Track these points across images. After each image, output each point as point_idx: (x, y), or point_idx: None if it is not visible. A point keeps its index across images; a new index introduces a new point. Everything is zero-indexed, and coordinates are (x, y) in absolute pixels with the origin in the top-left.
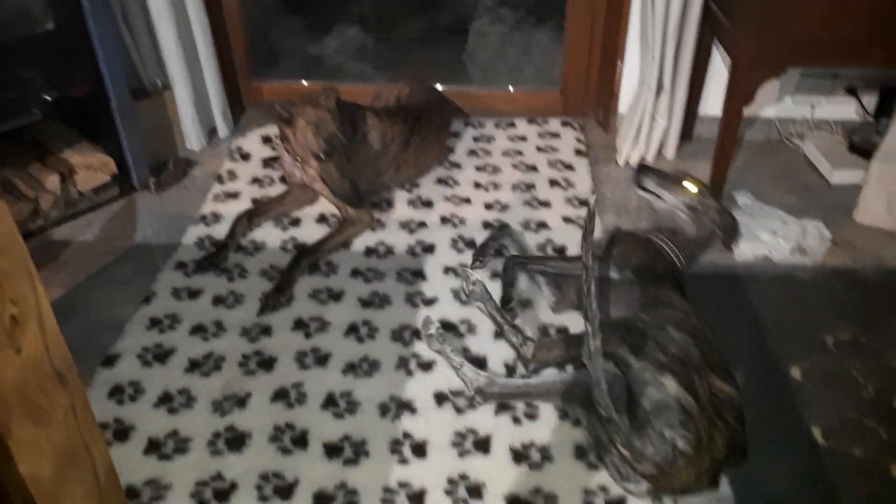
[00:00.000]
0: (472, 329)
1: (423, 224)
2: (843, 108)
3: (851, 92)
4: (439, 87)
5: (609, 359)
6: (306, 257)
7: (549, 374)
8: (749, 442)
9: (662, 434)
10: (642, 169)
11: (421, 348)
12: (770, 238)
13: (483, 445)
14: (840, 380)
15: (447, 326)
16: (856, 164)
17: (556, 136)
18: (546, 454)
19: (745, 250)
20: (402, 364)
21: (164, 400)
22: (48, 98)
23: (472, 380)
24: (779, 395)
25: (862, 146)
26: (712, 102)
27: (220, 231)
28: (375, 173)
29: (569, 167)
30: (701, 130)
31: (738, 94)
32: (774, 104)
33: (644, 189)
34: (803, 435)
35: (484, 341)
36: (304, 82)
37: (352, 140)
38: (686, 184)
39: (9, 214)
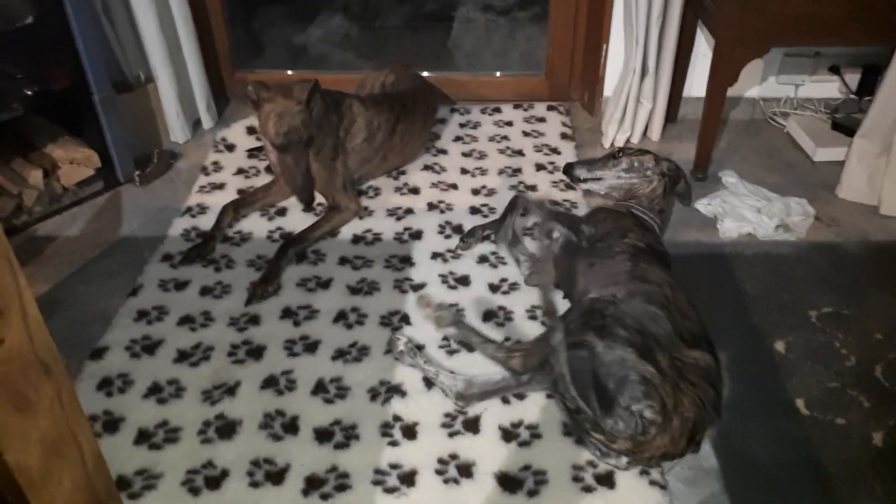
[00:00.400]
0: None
1: (410, 211)
2: (827, 87)
3: (835, 70)
4: (425, 73)
5: (579, 347)
6: (293, 246)
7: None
8: (724, 402)
9: (629, 409)
10: (569, 166)
11: (410, 333)
12: (755, 216)
13: (472, 426)
14: (823, 352)
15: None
16: (839, 142)
17: (541, 120)
18: (535, 432)
19: (731, 228)
20: (391, 350)
21: (154, 391)
22: (29, 92)
23: (451, 386)
24: (763, 368)
25: (845, 124)
26: (697, 84)
27: (206, 222)
28: (362, 161)
29: (555, 151)
30: (686, 112)
31: (722, 74)
32: (758, 84)
33: (581, 181)
34: (787, 406)
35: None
36: (289, 72)
37: (335, 129)
38: (617, 155)
39: None
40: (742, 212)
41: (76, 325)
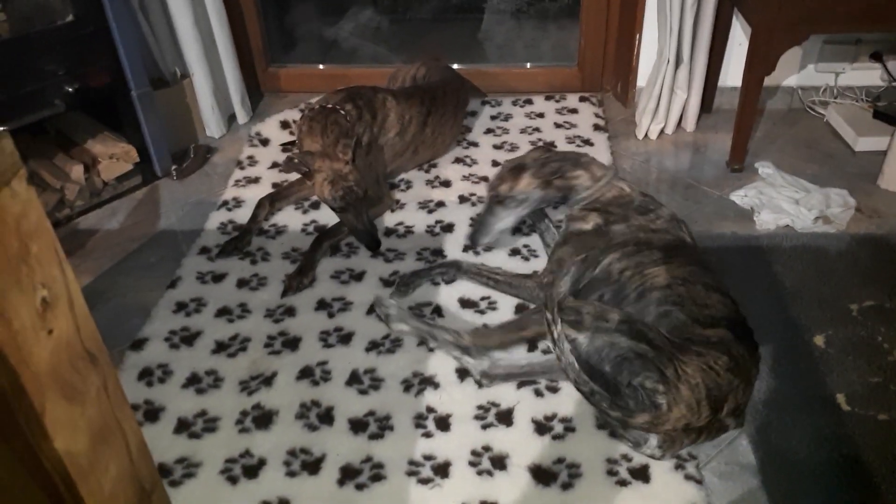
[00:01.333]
0: (492, 306)
1: (441, 204)
2: (868, 75)
3: (877, 57)
4: (455, 66)
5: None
6: (328, 239)
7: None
8: (756, 373)
9: (632, 385)
10: (472, 238)
11: (443, 324)
12: (793, 207)
13: (505, 418)
14: (864, 346)
15: (467, 303)
16: (881, 131)
17: (574, 111)
18: (568, 425)
19: (768, 220)
20: (424, 340)
21: (193, 381)
22: (70, 89)
23: (476, 364)
24: (803, 362)
25: (887, 112)
26: (732, 73)
27: (242, 216)
28: (394, 155)
29: (587, 142)
30: (721, 102)
31: (759, 63)
32: (796, 73)
33: (485, 243)
34: (827, 401)
35: (504, 317)
36: (321, 66)
37: (370, 126)
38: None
39: (37, 200)
40: (780, 203)
41: (117, 317)
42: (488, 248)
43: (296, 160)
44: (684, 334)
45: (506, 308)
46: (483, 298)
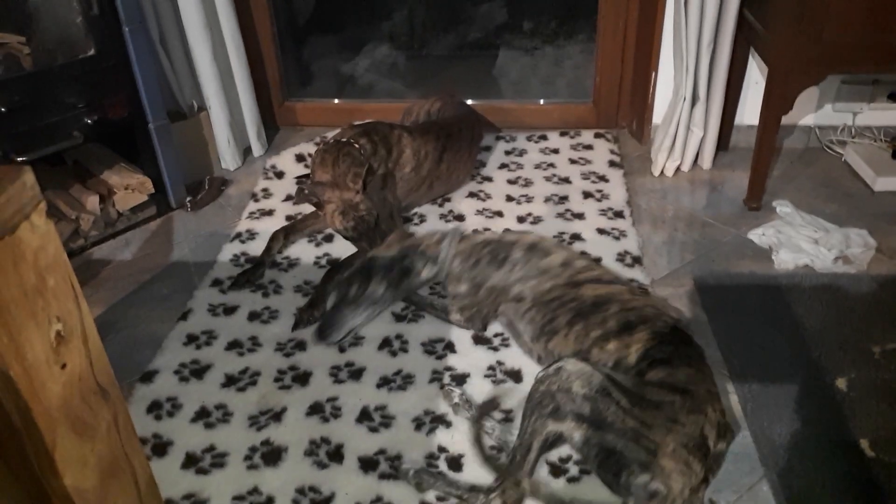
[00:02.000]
0: (504, 343)
1: None
2: (886, 115)
3: (894, 98)
4: (470, 101)
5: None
6: (339, 272)
7: None
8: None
9: (620, 485)
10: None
11: (454, 361)
12: (812, 247)
13: None
14: (888, 390)
15: (480, 340)
16: None
17: (589, 147)
18: (584, 468)
19: (787, 260)
20: (436, 377)
21: (201, 415)
22: (89, 121)
23: (499, 438)
24: (824, 406)
25: None
26: (749, 111)
27: (256, 248)
28: (409, 190)
29: (603, 178)
30: (738, 140)
31: (776, 102)
32: (814, 111)
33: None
34: (850, 446)
35: (518, 355)
36: (336, 101)
37: (384, 161)
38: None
39: (56, 234)
40: (798, 242)
41: (128, 348)
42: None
43: (306, 191)
44: (626, 398)
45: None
46: (497, 335)
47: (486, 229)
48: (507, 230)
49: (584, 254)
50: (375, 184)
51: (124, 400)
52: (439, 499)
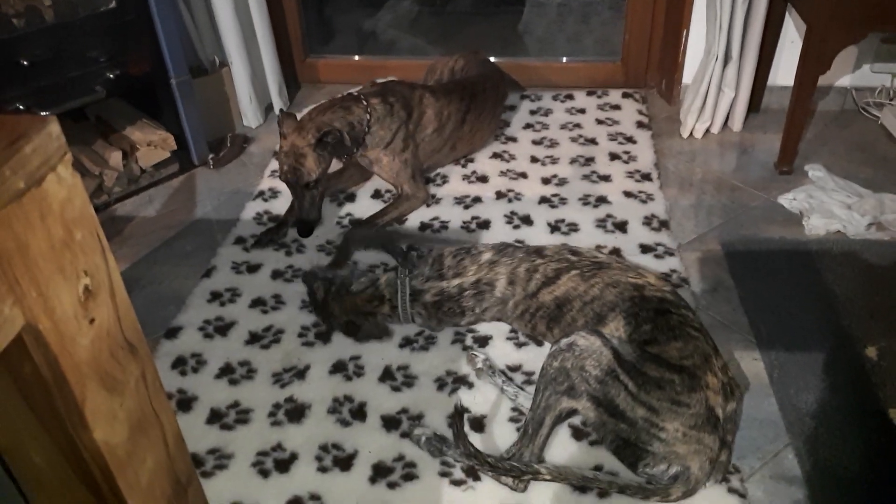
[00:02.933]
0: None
1: (478, 199)
2: None
3: None
4: (494, 59)
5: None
6: (358, 232)
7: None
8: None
9: (646, 474)
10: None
11: (476, 325)
12: (844, 212)
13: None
14: None
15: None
16: None
17: (616, 108)
18: None
19: (818, 226)
20: (459, 339)
21: (226, 371)
22: (111, 76)
23: (522, 405)
24: (853, 375)
25: None
26: (783, 71)
27: (278, 206)
28: (432, 151)
29: (630, 140)
30: (770, 101)
31: (813, 61)
32: (851, 72)
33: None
34: (879, 416)
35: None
36: (356, 57)
37: (405, 122)
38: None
39: (82, 186)
40: (830, 208)
41: (152, 304)
42: None
43: (278, 116)
44: (633, 377)
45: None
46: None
47: (510, 191)
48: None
49: (509, 245)
50: (396, 144)
51: (151, 356)
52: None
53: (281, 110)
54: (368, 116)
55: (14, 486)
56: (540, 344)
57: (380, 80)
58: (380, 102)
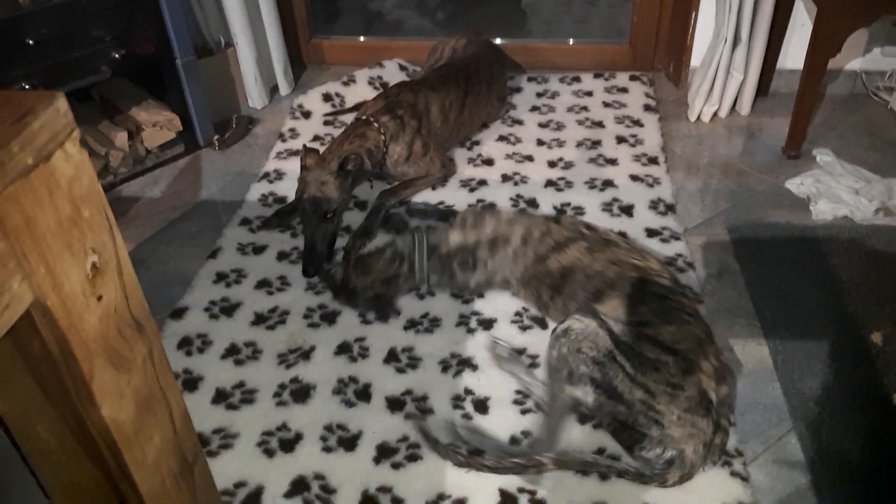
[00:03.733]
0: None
1: (483, 182)
2: None
3: None
4: (500, 41)
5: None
6: (389, 199)
7: None
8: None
9: (643, 458)
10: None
11: (481, 306)
12: (852, 197)
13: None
14: None
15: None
16: None
17: (623, 90)
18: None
19: (825, 211)
20: (463, 321)
21: (231, 352)
22: (116, 56)
23: (540, 397)
24: (858, 360)
25: None
26: (792, 55)
27: (283, 188)
28: (442, 142)
29: (637, 123)
30: (778, 85)
31: (824, 45)
32: (861, 56)
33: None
34: (882, 401)
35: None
36: (361, 38)
37: (417, 130)
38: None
39: (90, 164)
40: (838, 193)
41: (158, 285)
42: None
43: (301, 152)
44: (631, 360)
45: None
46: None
47: (516, 174)
48: (472, 206)
49: (524, 212)
50: (417, 152)
51: (159, 334)
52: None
53: (304, 146)
54: (383, 137)
55: (22, 461)
56: (544, 326)
57: (381, 94)
58: (390, 120)
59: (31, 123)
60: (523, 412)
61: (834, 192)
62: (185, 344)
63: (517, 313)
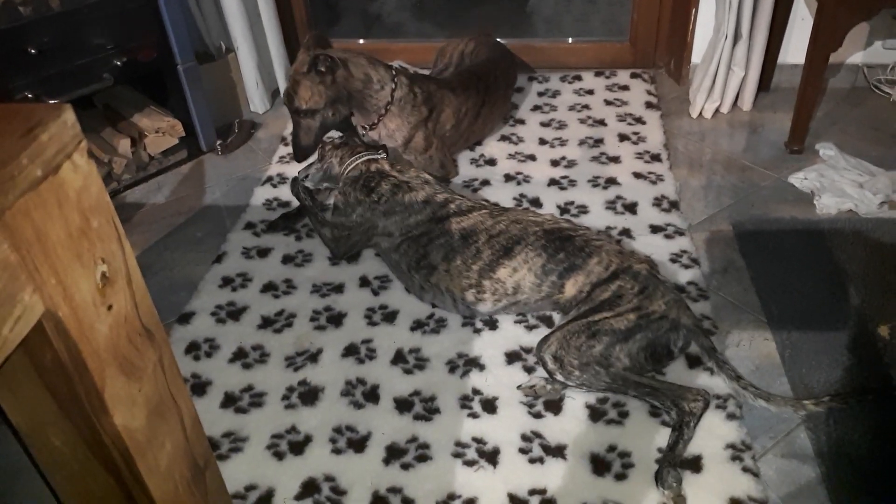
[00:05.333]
0: None
1: (486, 182)
2: None
3: None
4: (501, 41)
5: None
6: None
7: None
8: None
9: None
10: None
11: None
12: (856, 191)
13: (554, 404)
14: None
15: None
16: None
17: (625, 88)
18: (622, 410)
19: (829, 205)
20: (468, 322)
21: (239, 356)
22: (118, 63)
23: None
24: (865, 354)
25: None
26: (793, 50)
27: (287, 192)
28: (450, 146)
29: (639, 120)
30: (780, 80)
31: (825, 39)
32: (862, 49)
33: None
34: (891, 394)
35: None
36: (361, 41)
37: (424, 122)
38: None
39: (97, 174)
40: (842, 187)
41: (164, 291)
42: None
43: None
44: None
45: None
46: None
47: (519, 173)
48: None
49: (439, 184)
50: (417, 145)
51: (168, 341)
52: (475, 439)
53: (313, 31)
54: (393, 86)
55: (35, 470)
56: (550, 325)
57: (400, 65)
58: (407, 84)
59: (40, 136)
60: (532, 412)
61: (838, 186)
62: (192, 349)
63: (520, 314)
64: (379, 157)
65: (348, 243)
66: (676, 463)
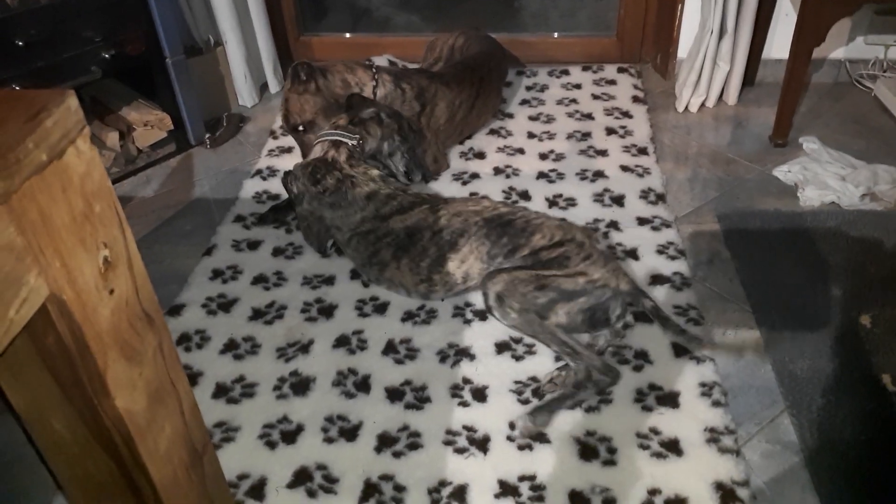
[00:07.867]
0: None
1: (475, 175)
2: None
3: None
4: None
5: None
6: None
7: None
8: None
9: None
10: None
11: (476, 298)
12: (838, 184)
13: (541, 393)
14: None
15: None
16: None
17: (612, 82)
18: (604, 397)
19: (812, 197)
20: (459, 313)
21: (230, 347)
22: (106, 56)
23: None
24: (847, 342)
25: None
26: (777, 45)
27: (276, 185)
28: (444, 140)
29: (626, 115)
30: (764, 74)
31: (808, 34)
32: (844, 45)
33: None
34: (872, 382)
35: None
36: (347, 35)
37: (417, 117)
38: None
39: (99, 160)
40: (825, 179)
41: (154, 283)
42: None
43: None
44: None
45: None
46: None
47: (508, 167)
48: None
49: (384, 179)
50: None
51: (167, 327)
52: (466, 427)
53: (295, 65)
54: (375, 84)
55: (35, 452)
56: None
57: (389, 60)
58: (391, 81)
59: (45, 121)
60: (521, 400)
61: (821, 179)
62: (183, 340)
63: (513, 337)
64: (350, 141)
65: (311, 234)
66: (553, 410)
